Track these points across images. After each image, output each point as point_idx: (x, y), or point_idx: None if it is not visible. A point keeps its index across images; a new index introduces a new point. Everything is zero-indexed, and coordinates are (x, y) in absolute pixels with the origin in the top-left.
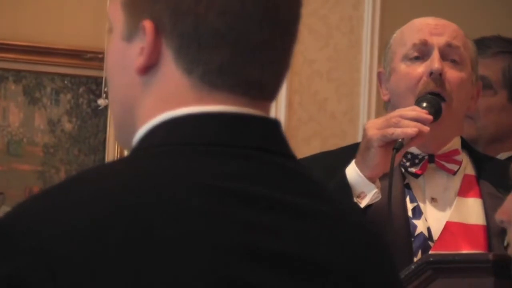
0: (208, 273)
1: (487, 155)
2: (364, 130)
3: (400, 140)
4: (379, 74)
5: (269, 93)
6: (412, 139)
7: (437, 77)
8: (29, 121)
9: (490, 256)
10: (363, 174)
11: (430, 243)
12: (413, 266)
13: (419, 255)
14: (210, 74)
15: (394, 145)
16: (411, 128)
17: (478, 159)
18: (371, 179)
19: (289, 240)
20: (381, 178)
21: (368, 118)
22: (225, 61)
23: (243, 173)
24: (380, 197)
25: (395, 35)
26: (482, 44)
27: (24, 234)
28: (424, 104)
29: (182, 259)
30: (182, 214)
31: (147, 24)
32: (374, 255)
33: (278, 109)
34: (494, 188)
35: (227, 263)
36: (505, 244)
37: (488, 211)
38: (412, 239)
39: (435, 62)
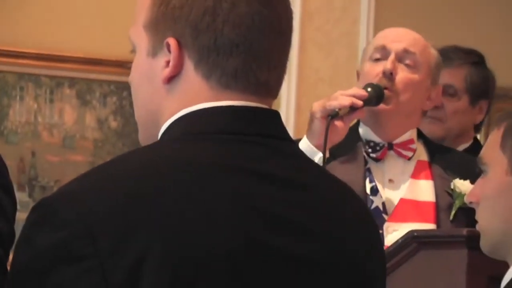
0: (236, 236)
1: (440, 144)
2: (311, 109)
3: (337, 110)
4: (357, 73)
5: (273, 92)
6: (353, 113)
7: (388, 75)
8: (81, 120)
9: (464, 232)
10: (311, 143)
11: (385, 216)
12: (400, 240)
13: None
14: (226, 77)
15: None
16: (345, 100)
17: (432, 148)
18: (318, 147)
19: (291, 209)
20: (343, 162)
21: None
22: (239, 66)
23: (252, 155)
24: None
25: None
26: (447, 55)
27: (67, 208)
28: (369, 89)
29: (210, 225)
30: (203, 189)
31: (172, 41)
32: (362, 225)
33: (289, 112)
34: (443, 171)
35: (250, 227)
36: (451, 218)
37: (438, 190)
38: None
39: (388, 63)
